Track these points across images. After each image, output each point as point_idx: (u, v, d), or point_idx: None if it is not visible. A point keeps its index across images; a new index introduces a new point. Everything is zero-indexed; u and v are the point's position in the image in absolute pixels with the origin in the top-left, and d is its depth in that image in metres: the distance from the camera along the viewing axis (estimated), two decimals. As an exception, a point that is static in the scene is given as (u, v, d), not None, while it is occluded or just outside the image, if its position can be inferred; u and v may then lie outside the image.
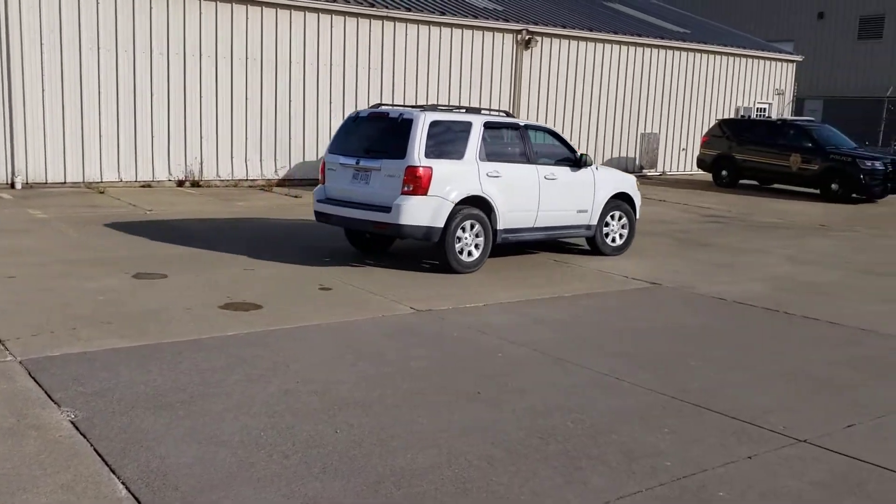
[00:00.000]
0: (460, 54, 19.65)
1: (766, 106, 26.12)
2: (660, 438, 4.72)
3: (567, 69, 21.67)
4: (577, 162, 10.35)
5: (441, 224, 9.00)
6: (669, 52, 23.68)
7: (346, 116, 12.78)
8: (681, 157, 24.61)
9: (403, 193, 8.86)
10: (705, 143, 21.71)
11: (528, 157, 9.93)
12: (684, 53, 24.02)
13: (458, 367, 5.92)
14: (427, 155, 8.93)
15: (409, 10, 18.60)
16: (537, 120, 21.14)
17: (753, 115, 24.88)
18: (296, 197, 15.53)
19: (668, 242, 12.27)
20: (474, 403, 5.18)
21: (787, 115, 25.28)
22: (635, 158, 23.51)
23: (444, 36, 19.32)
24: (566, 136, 20.73)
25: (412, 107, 9.74)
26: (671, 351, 6.55)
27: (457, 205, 9.09)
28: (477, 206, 9.31)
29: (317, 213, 9.83)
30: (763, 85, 26.11)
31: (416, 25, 18.79)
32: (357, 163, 9.29)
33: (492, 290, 8.52)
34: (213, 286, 8.04)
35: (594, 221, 10.59)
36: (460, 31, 19.55)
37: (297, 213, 13.33)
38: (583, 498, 3.97)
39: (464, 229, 9.20)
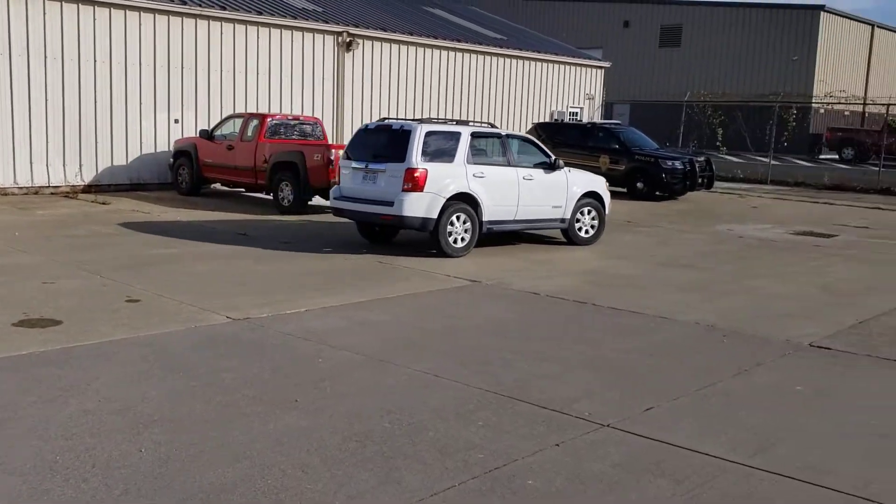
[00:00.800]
0: (280, 55, 19.29)
1: (578, 110, 27.52)
2: (474, 432, 4.83)
3: (390, 72, 21.82)
4: (551, 165, 11.98)
5: (435, 216, 10.69)
6: (488, 58, 24.42)
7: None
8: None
9: (404, 190, 10.56)
10: (524, 145, 22.52)
11: (508, 161, 11.69)
12: (502, 59, 24.85)
13: (275, 375, 5.79)
14: (423, 159, 10.64)
15: (224, 8, 18.03)
16: (362, 120, 21.16)
17: (567, 119, 26.14)
18: (104, 203, 14.63)
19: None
20: (291, 412, 5.08)
21: (597, 119, 26.75)
22: (458, 160, 24.02)
23: (263, 37, 18.89)
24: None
25: (412, 120, 11.67)
26: (487, 346, 6.74)
27: (448, 200, 10.75)
28: (465, 202, 10.99)
29: (333, 209, 11.73)
30: (575, 90, 27.48)
31: (231, 25, 18.24)
32: (366, 166, 10.98)
33: (313, 294, 8.41)
34: (4, 303, 7.41)
35: (568, 215, 12.26)
36: (279, 31, 19.19)
37: (105, 221, 12.56)
38: (397, 498, 3.98)
39: (454, 221, 10.90)
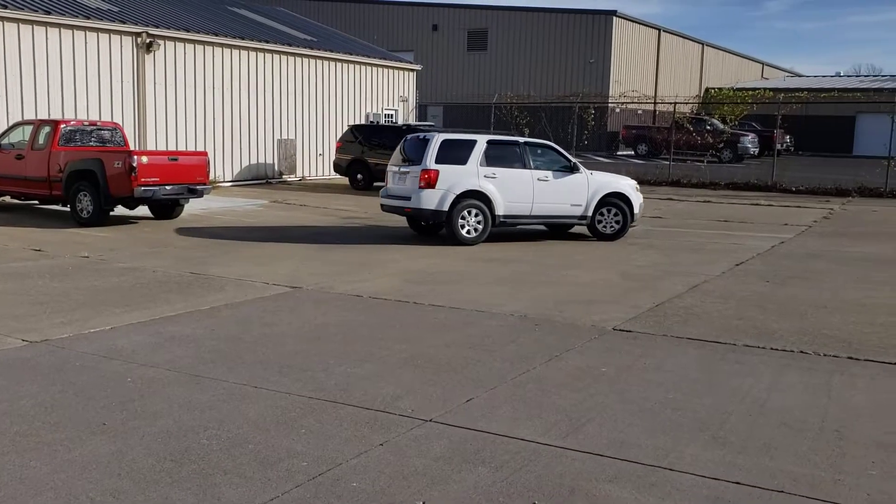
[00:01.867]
0: (73, 58, 18.07)
1: (393, 112, 27.81)
2: (296, 440, 4.77)
3: (195, 74, 21.02)
4: (570, 168, 13.63)
5: (446, 208, 12.76)
6: (299, 59, 24.12)
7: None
8: (318, 162, 25.22)
9: (420, 188, 12.73)
10: (340, 149, 22.49)
11: (524, 164, 13.33)
12: (313, 61, 24.63)
13: (79, 399, 5.42)
14: (437, 161, 12.76)
15: (6, 7, 16.63)
16: (167, 125, 20.25)
17: (382, 121, 26.35)
18: None
19: (307, 246, 12.50)
20: (98, 436, 4.77)
21: (412, 121, 27.16)
22: (274, 164, 23.60)
23: (53, 37, 17.61)
24: (200, 144, 20.14)
25: (438, 131, 14.56)
26: (308, 352, 6.66)
27: (458, 196, 12.74)
28: (476, 198, 12.90)
29: (381, 205, 13.78)
30: (389, 92, 27.75)
31: (15, 25, 16.88)
32: (399, 169, 13.28)
33: (119, 311, 7.95)
34: None
35: (589, 213, 13.73)
36: (71, 32, 17.98)
37: None
38: (217, 515, 3.85)
39: (466, 215, 12.86)
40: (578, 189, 13.61)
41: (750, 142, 35.76)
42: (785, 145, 40.60)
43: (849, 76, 66.04)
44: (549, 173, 13.47)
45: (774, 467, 4.51)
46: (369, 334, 7.31)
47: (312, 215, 16.59)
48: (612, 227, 13.89)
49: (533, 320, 7.92)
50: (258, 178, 22.94)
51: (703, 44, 52.67)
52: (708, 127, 32.57)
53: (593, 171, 14.19)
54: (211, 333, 7.24)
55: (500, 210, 13.09)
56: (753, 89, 41.75)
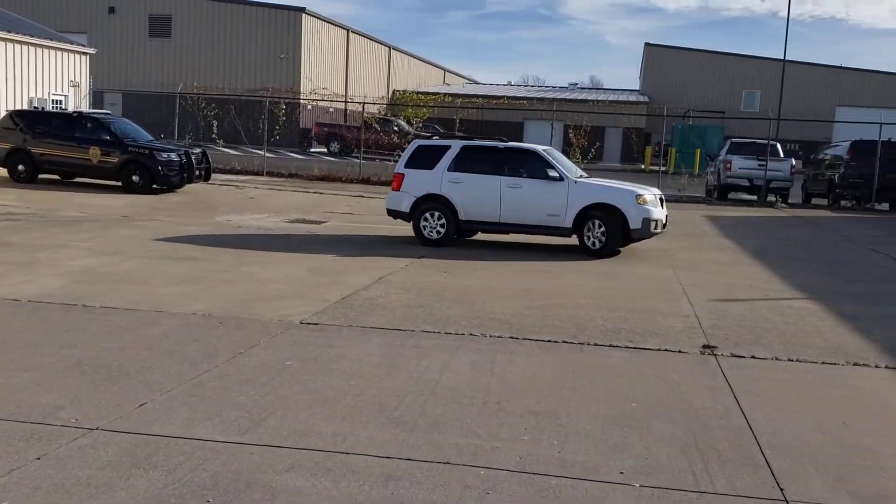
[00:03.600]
0: None
1: (63, 98, 25.38)
2: (-70, 464, 4.18)
3: None
4: (552, 176, 12.98)
5: (407, 210, 13.46)
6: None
7: None
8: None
9: (392, 190, 13.83)
10: (-4, 136, 20.02)
11: (497, 171, 13.17)
12: (-38, 36, 21.65)
13: None
14: (407, 166, 13.57)
15: None
16: None
17: (49, 107, 23.93)
18: None
19: (-46, 245, 10.97)
20: None
21: (85, 108, 25.00)
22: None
23: None
24: None
25: (424, 136, 15.65)
26: (-48, 364, 5.86)
27: (419, 198, 13.31)
28: (438, 202, 13.23)
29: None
30: (58, 76, 25.27)
31: None
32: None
33: None
34: None
35: (568, 224, 12.90)
36: None
37: None
38: None
39: (428, 217, 13.28)
40: (555, 198, 12.85)
41: (433, 142, 37.95)
42: (464, 147, 43.62)
43: (518, 86, 72.83)
44: (523, 181, 13.02)
45: (442, 441, 4.85)
46: (28, 341, 6.62)
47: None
48: (597, 241, 12.74)
49: (217, 319, 7.70)
50: None
51: (389, 47, 54.87)
52: (395, 128, 34.04)
53: (590, 180, 13.52)
54: None
55: (461, 215, 13.15)
56: (435, 94, 44.40)
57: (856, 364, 7.03)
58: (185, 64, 41.08)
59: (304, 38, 41.78)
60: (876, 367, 7.00)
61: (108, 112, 23.87)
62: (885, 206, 24.87)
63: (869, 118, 26.21)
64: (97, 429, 4.80)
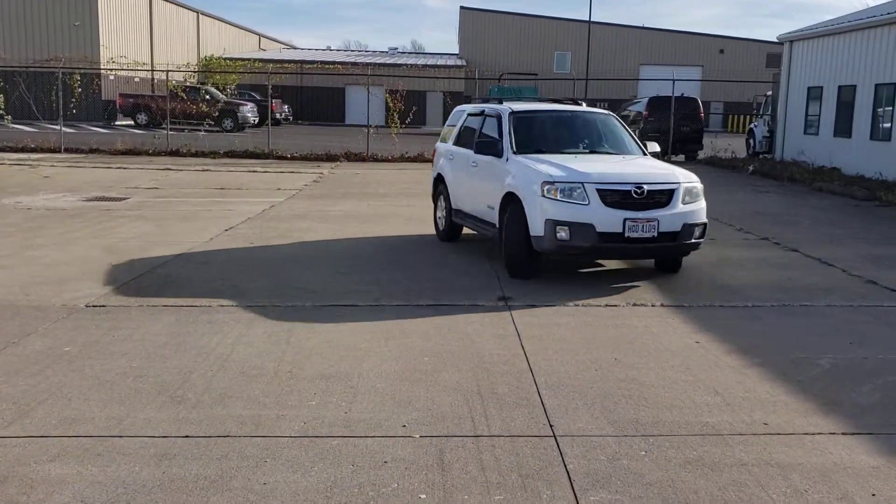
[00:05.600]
0: None
1: None
2: None
3: None
4: (499, 151, 9.21)
5: (431, 193, 11.45)
6: None
7: None
8: None
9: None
10: None
11: (469, 144, 10.13)
12: None
13: None
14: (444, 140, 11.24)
15: None
16: None
17: None
18: None
19: None
20: None
21: None
22: None
23: None
24: None
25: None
26: None
27: (434, 179, 11.24)
28: (442, 183, 10.83)
29: None
30: None
31: None
32: None
33: None
34: None
35: (496, 222, 9.01)
36: None
37: None
38: None
39: (440, 202, 10.96)
40: (494, 184, 9.08)
41: (249, 111, 36.79)
42: (284, 115, 42.72)
43: (339, 50, 71.87)
44: (479, 157, 9.58)
45: (225, 415, 4.75)
46: None
47: None
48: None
49: (-10, 307, 7.11)
50: None
51: (198, 12, 52.40)
52: (206, 96, 32.64)
53: (537, 158, 8.80)
54: None
55: (452, 201, 10.39)
56: (245, 59, 42.93)
57: (635, 304, 7.56)
58: (-36, 33, 37.33)
59: (100, 3, 39.01)
60: (652, 305, 7.55)
61: None
62: (682, 157, 26.80)
63: (667, 76, 28.01)
64: None
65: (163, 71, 29.36)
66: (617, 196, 7.97)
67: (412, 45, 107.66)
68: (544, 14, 58.41)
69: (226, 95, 33.35)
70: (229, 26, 58.95)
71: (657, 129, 26.20)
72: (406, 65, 47.63)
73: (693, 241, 8.30)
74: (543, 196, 8.03)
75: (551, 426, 4.62)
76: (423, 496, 3.78)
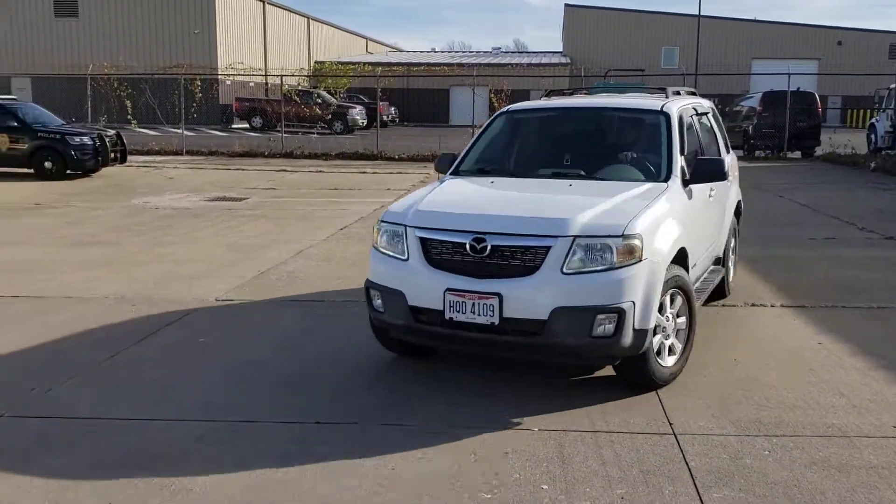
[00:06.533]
0: None
1: (-35, 84, 24.37)
2: None
3: None
4: (446, 168, 6.70)
5: None
6: None
7: None
8: None
9: None
10: None
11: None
12: None
13: None
14: None
15: None
16: None
17: (-49, 95, 22.95)
18: None
19: None
20: None
21: (-11, 94, 24.06)
22: None
23: None
24: None
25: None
26: None
27: None
28: None
29: None
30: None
31: None
32: None
33: None
34: None
35: None
36: None
37: None
38: None
39: None
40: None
41: (358, 113, 37.70)
42: (390, 116, 43.56)
43: (443, 52, 72.59)
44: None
45: (354, 404, 4.97)
46: (-68, 335, 6.48)
47: None
48: None
49: (130, 301, 7.64)
50: None
51: (309, 18, 54.00)
52: (318, 99, 33.67)
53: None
54: None
55: None
56: (355, 63, 43.99)
57: (753, 305, 7.40)
58: (95, 44, 39.74)
59: (217, 11, 40.79)
60: (771, 306, 7.38)
61: (14, 97, 23.03)
62: (798, 153, 25.81)
63: (782, 70, 27.04)
64: (3, 415, 4.78)
65: (277, 75, 30.48)
66: (446, 250, 5.03)
67: (515, 45, 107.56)
68: (652, 9, 57.30)
69: (335, 98, 34.29)
70: (338, 31, 60.50)
71: (772, 125, 25.35)
72: (510, 64, 47.69)
73: (584, 341, 4.72)
74: (374, 244, 5.57)
75: (670, 424, 4.62)
76: (544, 487, 3.88)
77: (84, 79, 26.85)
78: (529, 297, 4.74)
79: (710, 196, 6.46)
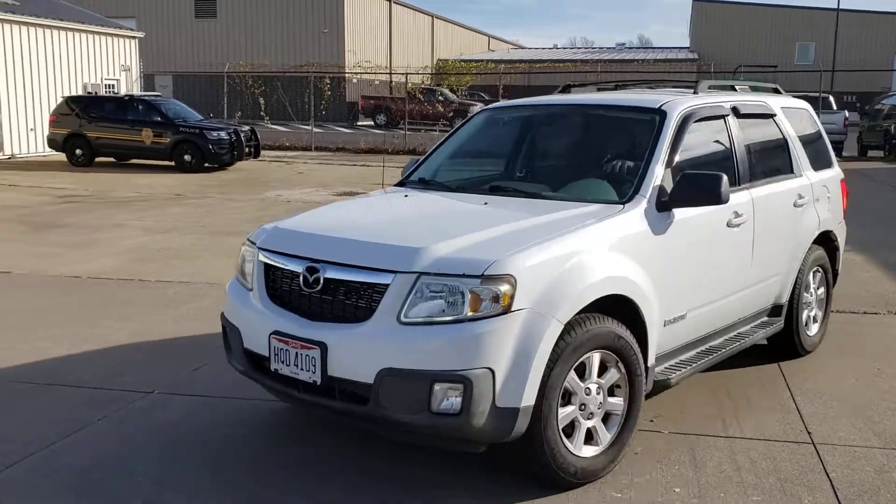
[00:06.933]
0: None
1: (115, 82, 26.07)
2: (4, 425, 4.53)
3: None
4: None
5: None
6: (-1, 25, 21.81)
7: None
8: (30, 137, 23.08)
9: None
10: (54, 122, 20.74)
11: None
12: (16, 27, 22.37)
13: None
14: None
15: None
16: None
17: (102, 92, 24.62)
18: None
19: (18, 228, 11.51)
20: None
21: (136, 91, 25.66)
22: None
23: None
24: None
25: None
26: (17, 339, 6.25)
27: None
28: None
29: None
30: (109, 61, 25.95)
31: None
32: None
33: None
34: None
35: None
36: None
37: None
38: (-90, 510, 3.61)
39: None
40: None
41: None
42: (510, 113, 43.41)
43: (565, 48, 71.95)
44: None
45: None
46: (84, 316, 6.99)
47: (23, 196, 15.23)
48: None
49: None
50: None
51: (433, 16, 54.67)
52: (440, 97, 34.08)
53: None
54: None
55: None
56: (478, 61, 44.23)
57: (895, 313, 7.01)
58: (231, 43, 41.68)
59: (346, 11, 41.94)
60: (918, 315, 6.96)
61: (159, 94, 24.50)
62: (946, 157, 24.14)
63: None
64: (153, 392, 5.12)
65: (402, 73, 31.08)
66: (284, 279, 4.02)
67: (639, 41, 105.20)
68: (785, 3, 54.72)
69: (456, 96, 34.63)
70: (461, 29, 60.96)
71: (917, 125, 23.79)
72: (635, 60, 46.72)
73: (421, 418, 3.47)
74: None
75: (809, 433, 4.45)
76: (677, 490, 3.82)
77: (221, 76, 28.21)
78: (356, 352, 3.57)
79: (735, 222, 4.77)
